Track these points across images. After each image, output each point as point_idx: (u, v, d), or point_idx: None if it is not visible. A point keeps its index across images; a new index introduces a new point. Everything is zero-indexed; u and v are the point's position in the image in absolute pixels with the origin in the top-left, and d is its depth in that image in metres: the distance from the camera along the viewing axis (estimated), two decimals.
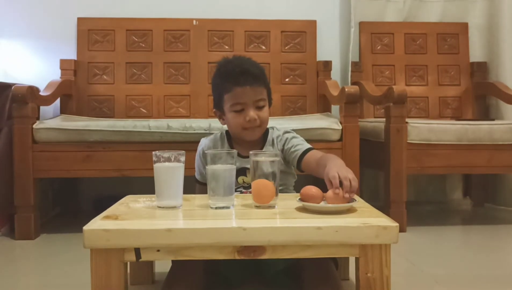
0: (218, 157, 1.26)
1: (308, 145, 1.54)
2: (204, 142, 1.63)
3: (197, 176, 1.64)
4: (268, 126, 1.60)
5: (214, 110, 1.60)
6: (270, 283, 1.46)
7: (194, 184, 1.65)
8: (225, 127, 1.60)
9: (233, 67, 1.49)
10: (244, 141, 1.56)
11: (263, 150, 1.55)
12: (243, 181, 1.53)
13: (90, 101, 2.65)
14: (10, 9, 2.74)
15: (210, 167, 1.26)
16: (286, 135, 1.58)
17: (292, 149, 1.53)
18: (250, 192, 1.32)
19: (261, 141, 1.59)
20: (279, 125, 2.07)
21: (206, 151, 1.30)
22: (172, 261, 1.38)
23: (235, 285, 1.45)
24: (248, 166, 1.44)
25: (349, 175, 1.24)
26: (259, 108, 1.50)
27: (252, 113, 1.48)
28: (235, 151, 1.28)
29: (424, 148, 2.20)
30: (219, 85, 1.53)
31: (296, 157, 1.51)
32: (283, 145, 1.56)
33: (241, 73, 1.47)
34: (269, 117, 1.57)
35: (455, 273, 1.66)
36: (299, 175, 1.64)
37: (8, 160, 2.10)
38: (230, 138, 1.60)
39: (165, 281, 1.36)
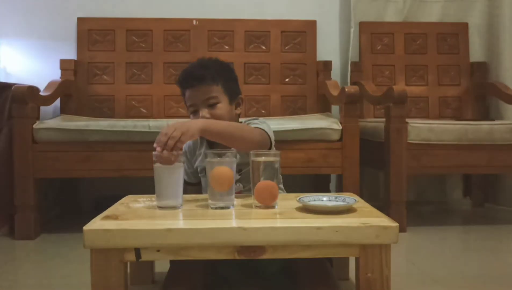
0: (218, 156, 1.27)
1: (259, 126, 1.51)
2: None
3: (184, 176, 1.63)
4: (252, 119, 1.60)
5: None
6: (268, 283, 1.46)
7: (185, 187, 1.63)
8: None
9: (182, 72, 1.56)
10: None
11: None
12: None
13: (90, 101, 2.65)
14: (10, 9, 2.74)
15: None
16: (250, 122, 1.58)
17: None
18: (238, 192, 1.33)
19: None
20: (279, 125, 2.09)
21: (206, 151, 1.31)
22: (171, 261, 1.38)
23: (233, 285, 1.46)
24: None
25: (169, 131, 1.24)
26: (211, 106, 1.51)
27: (202, 113, 1.50)
28: (235, 151, 1.28)
29: (424, 148, 2.20)
30: (181, 91, 1.59)
31: None
32: None
33: (185, 76, 1.53)
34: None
35: (455, 273, 1.66)
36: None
37: (8, 160, 2.10)
38: None
39: (164, 281, 1.36)
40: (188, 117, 1.57)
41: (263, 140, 1.47)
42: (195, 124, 1.34)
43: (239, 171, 1.54)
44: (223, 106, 1.52)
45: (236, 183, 1.52)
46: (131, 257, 1.10)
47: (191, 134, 1.30)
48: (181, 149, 1.29)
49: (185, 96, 1.55)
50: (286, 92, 2.73)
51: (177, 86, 1.58)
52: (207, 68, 1.53)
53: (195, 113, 1.52)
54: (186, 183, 1.62)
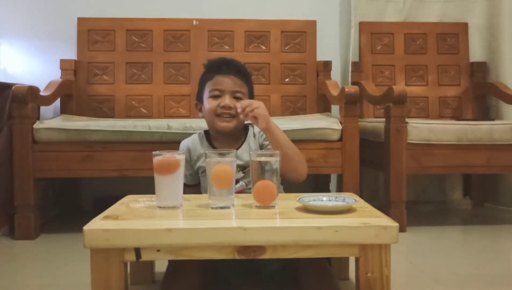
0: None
1: None
2: (184, 143, 1.67)
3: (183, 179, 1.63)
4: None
5: (196, 102, 1.67)
6: (267, 283, 1.46)
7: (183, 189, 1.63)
8: (205, 126, 1.66)
9: (218, 59, 1.61)
10: (223, 137, 1.59)
11: (244, 145, 1.58)
12: None
13: (90, 101, 2.65)
14: (10, 9, 2.74)
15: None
16: None
17: (269, 147, 1.55)
18: (241, 191, 1.33)
19: (241, 137, 1.60)
20: (279, 125, 2.08)
21: (206, 151, 1.31)
22: (169, 260, 1.38)
23: (233, 284, 1.46)
24: None
25: (254, 102, 1.45)
26: (237, 99, 1.55)
27: (228, 100, 1.53)
28: (234, 151, 1.28)
29: (424, 148, 2.20)
30: (204, 75, 1.62)
31: None
32: (264, 141, 1.60)
33: (225, 63, 1.58)
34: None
35: (455, 273, 1.66)
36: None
37: (8, 160, 2.10)
38: (210, 137, 1.64)
39: (162, 281, 1.36)
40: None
41: (305, 172, 1.54)
42: (269, 117, 1.45)
43: (243, 169, 1.55)
44: None
45: (239, 182, 1.53)
46: (131, 257, 1.10)
47: (264, 119, 1.43)
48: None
49: (212, 79, 1.57)
50: (286, 92, 2.73)
51: (208, 70, 1.61)
52: (244, 67, 1.62)
53: (216, 97, 1.55)
54: (184, 185, 1.62)
